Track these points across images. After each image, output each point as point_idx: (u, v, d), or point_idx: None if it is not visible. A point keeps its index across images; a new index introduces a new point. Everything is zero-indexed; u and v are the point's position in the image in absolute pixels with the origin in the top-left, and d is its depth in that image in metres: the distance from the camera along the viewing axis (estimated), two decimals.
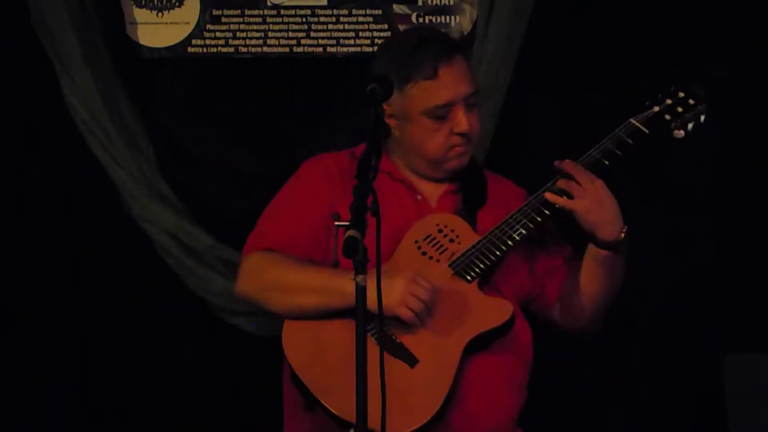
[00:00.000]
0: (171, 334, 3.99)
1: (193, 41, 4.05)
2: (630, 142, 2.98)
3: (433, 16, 4.02)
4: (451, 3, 4.02)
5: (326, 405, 2.81)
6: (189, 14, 4.05)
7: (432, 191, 3.10)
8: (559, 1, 3.92)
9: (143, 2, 4.04)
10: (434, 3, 4.02)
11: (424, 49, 3.00)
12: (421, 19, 4.02)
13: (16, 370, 3.97)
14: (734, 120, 3.91)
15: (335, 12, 4.04)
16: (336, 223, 2.52)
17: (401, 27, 4.02)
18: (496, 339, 2.93)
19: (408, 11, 4.04)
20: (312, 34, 4.04)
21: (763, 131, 3.93)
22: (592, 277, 3.02)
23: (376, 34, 4.02)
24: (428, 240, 2.99)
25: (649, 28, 3.94)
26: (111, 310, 3.99)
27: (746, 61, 3.90)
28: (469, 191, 3.11)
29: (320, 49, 4.05)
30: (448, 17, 4.02)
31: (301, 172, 3.15)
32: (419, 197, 3.09)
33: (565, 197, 2.93)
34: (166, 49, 4.04)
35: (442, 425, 2.84)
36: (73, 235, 3.99)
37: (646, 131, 2.98)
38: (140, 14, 4.04)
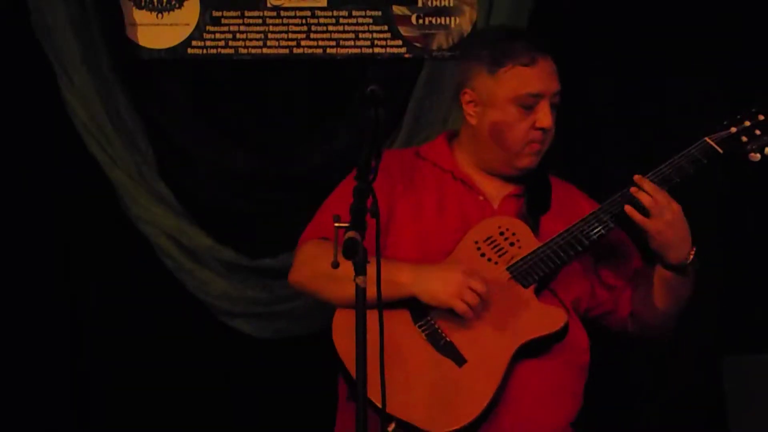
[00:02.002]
0: (170, 335, 3.99)
1: (193, 42, 4.05)
2: (703, 160, 2.95)
3: (432, 17, 4.03)
4: (451, 4, 4.02)
5: (369, 396, 2.80)
6: (189, 16, 4.05)
7: (495, 193, 3.07)
8: (558, 2, 3.92)
9: (143, 3, 4.04)
10: (434, 4, 4.03)
11: (523, 38, 3.04)
12: (420, 21, 4.02)
13: (16, 371, 3.97)
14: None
15: (335, 13, 4.04)
16: (335, 224, 2.51)
17: (401, 28, 4.02)
18: (549, 346, 2.91)
19: (408, 12, 4.04)
20: (312, 35, 4.04)
21: None
22: (660, 296, 3.01)
23: (375, 35, 4.03)
24: (488, 242, 2.97)
25: (650, 28, 3.94)
26: (110, 311, 3.99)
27: None
28: (533, 196, 3.07)
29: (320, 51, 4.05)
30: (447, 18, 4.02)
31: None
32: (481, 198, 3.06)
33: (641, 214, 2.90)
34: (165, 50, 4.04)
35: (493, 428, 2.83)
36: (72, 236, 3.99)
37: (720, 151, 2.95)
38: (140, 15, 4.04)
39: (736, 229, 3.94)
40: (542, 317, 2.90)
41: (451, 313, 2.85)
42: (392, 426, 2.74)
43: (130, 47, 4.02)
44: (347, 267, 2.86)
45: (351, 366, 2.80)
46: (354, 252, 2.38)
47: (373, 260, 2.45)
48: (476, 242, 2.96)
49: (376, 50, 4.03)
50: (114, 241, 3.99)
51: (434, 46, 4.01)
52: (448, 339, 2.86)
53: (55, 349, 3.99)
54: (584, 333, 3.04)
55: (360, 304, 2.40)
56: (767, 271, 3.89)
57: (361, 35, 4.04)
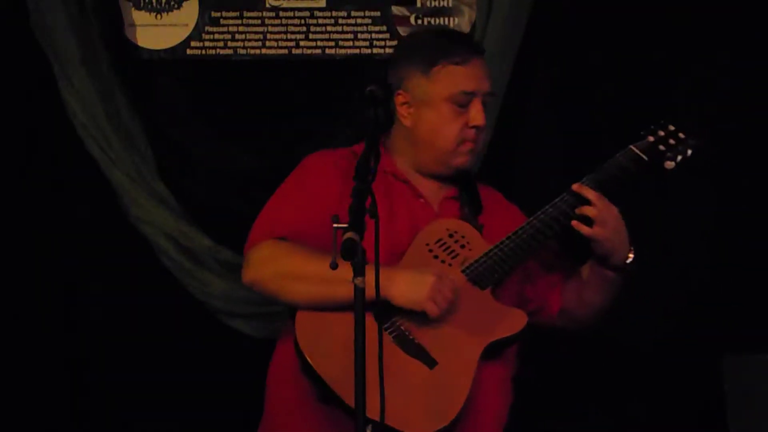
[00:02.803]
0: (169, 335, 3.99)
1: (192, 43, 4.05)
2: (631, 168, 3.00)
3: (431, 17, 4.03)
4: (450, 5, 4.03)
5: (342, 397, 2.78)
6: (188, 16, 4.05)
7: (433, 195, 3.09)
8: (558, 3, 3.92)
9: (142, 4, 4.04)
10: (433, 5, 4.03)
11: (455, 38, 3.09)
12: (419, 21, 4.02)
13: (14, 371, 3.97)
14: (733, 123, 3.91)
15: (334, 14, 4.04)
16: (334, 225, 2.50)
17: (400, 29, 4.02)
18: (507, 348, 2.93)
19: (407, 13, 4.04)
20: (311, 35, 4.05)
21: (761, 131, 3.94)
22: (597, 294, 3.05)
23: (374, 35, 4.03)
24: (440, 244, 2.97)
25: (650, 30, 3.94)
26: (109, 312, 3.99)
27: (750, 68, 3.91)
28: (468, 199, 3.10)
29: (319, 51, 4.05)
30: (446, 19, 4.03)
31: (308, 164, 3.10)
32: (422, 200, 3.07)
33: (586, 224, 2.94)
34: (164, 50, 4.04)
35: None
36: (72, 237, 3.99)
37: (645, 158, 3.02)
38: (139, 16, 4.04)
39: (736, 229, 3.94)
40: (504, 318, 2.91)
41: (415, 316, 2.85)
42: (368, 430, 2.74)
43: (129, 48, 4.03)
44: (311, 267, 2.89)
45: (321, 369, 2.81)
46: (353, 253, 2.38)
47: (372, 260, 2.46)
48: (427, 244, 2.97)
49: (375, 51, 4.04)
50: (113, 242, 3.99)
51: None
52: (416, 341, 2.86)
53: (53, 349, 3.99)
54: None
55: (359, 304, 2.40)
56: (767, 271, 3.89)
57: (359, 36, 4.04)
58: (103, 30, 3.95)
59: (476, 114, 3.00)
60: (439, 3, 4.02)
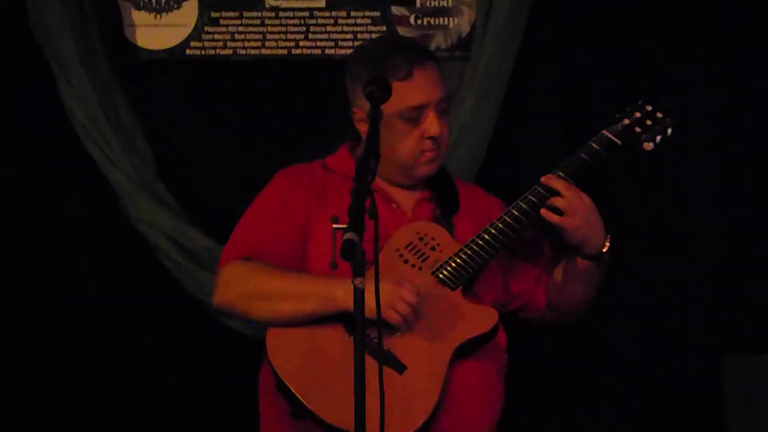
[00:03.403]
0: (169, 336, 3.99)
1: (192, 43, 4.05)
2: (603, 153, 3.00)
3: (431, 17, 4.02)
4: (449, 4, 4.02)
5: (316, 413, 2.79)
6: (187, 16, 4.05)
7: (406, 200, 3.10)
8: (557, 3, 3.92)
9: (141, 4, 4.04)
10: (432, 5, 4.02)
11: (397, 52, 3.03)
12: (419, 21, 4.02)
13: (14, 371, 3.97)
14: (733, 121, 3.91)
15: (333, 14, 4.04)
16: (334, 225, 2.50)
17: (399, 29, 4.02)
18: (482, 346, 2.94)
19: (406, 13, 4.04)
20: (310, 36, 4.05)
21: (761, 131, 3.94)
22: (578, 285, 3.06)
23: (374, 35, 4.02)
24: (409, 248, 2.99)
25: (651, 29, 3.94)
26: (109, 312, 3.99)
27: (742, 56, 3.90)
28: (442, 199, 3.11)
29: (318, 51, 4.05)
30: (446, 19, 4.02)
31: (274, 182, 3.15)
32: (394, 206, 3.08)
33: (556, 214, 2.95)
34: (164, 51, 4.04)
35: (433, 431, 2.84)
36: (72, 237, 3.99)
37: (619, 142, 3.01)
38: (138, 16, 4.04)
39: (736, 229, 3.94)
40: (474, 317, 2.92)
41: (385, 323, 2.84)
42: None
43: (128, 48, 4.02)
44: (276, 285, 2.91)
45: (294, 384, 2.82)
46: (352, 253, 2.38)
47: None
48: (398, 249, 2.98)
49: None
50: (113, 242, 3.99)
51: (432, 47, 4.00)
52: (385, 348, 2.86)
53: (52, 349, 3.99)
54: (503, 331, 3.05)
55: (358, 305, 2.40)
56: (767, 271, 3.89)
57: (359, 36, 4.04)
58: (102, 30, 3.95)
59: (430, 125, 2.99)
60: (438, 3, 4.02)
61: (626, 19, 3.93)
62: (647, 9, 3.92)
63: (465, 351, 2.90)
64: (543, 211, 2.95)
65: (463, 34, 4.00)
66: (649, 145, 3.03)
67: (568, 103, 3.99)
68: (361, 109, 3.03)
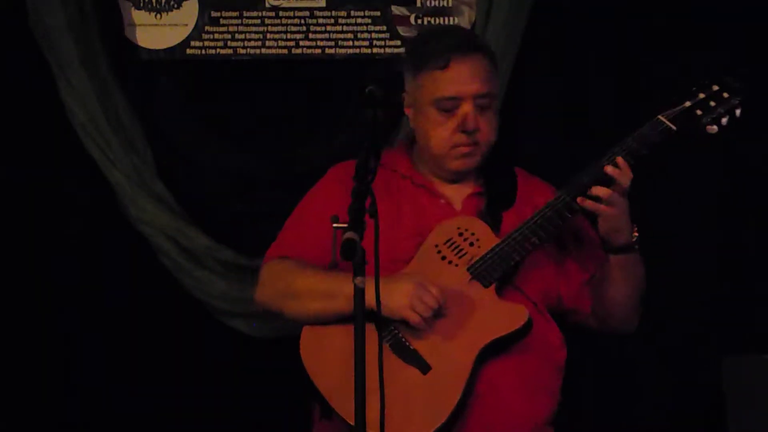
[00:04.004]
0: (169, 336, 3.98)
1: (192, 43, 4.05)
2: (656, 140, 2.90)
3: (431, 17, 4.02)
4: (450, 4, 4.02)
5: (338, 411, 2.80)
6: (187, 16, 4.05)
7: (456, 194, 3.07)
8: (558, 3, 3.92)
9: (141, 4, 4.04)
10: (433, 4, 4.02)
11: (441, 40, 3.01)
12: (419, 21, 4.02)
13: (14, 371, 3.97)
14: (733, 121, 3.91)
15: (334, 13, 4.04)
16: (334, 225, 2.51)
17: (400, 28, 4.02)
18: (513, 343, 2.90)
19: (407, 12, 4.04)
20: (310, 35, 4.04)
21: (762, 131, 3.93)
22: (619, 284, 2.99)
23: (374, 35, 4.02)
24: (449, 244, 2.96)
25: (650, 29, 3.93)
26: (109, 312, 3.98)
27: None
28: (495, 193, 3.06)
29: (319, 51, 4.05)
30: (446, 18, 4.02)
31: (323, 179, 3.13)
32: (443, 201, 3.05)
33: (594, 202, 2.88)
34: (164, 50, 4.04)
35: (464, 427, 2.83)
36: (71, 237, 3.98)
37: (674, 128, 2.90)
38: (138, 16, 4.04)
39: (736, 229, 3.94)
40: (503, 316, 2.89)
41: (406, 323, 2.85)
42: None
43: (128, 48, 4.02)
44: (305, 283, 2.91)
45: (321, 385, 2.84)
46: (352, 253, 2.38)
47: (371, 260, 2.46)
48: (436, 245, 2.96)
49: (375, 50, 4.03)
50: (113, 242, 3.99)
51: None
52: (411, 347, 2.86)
53: (53, 350, 3.98)
54: (556, 329, 3.03)
55: (359, 305, 2.40)
56: (767, 271, 3.89)
57: (359, 35, 4.03)
58: (102, 30, 3.94)
59: (464, 119, 2.96)
60: (439, 3, 4.02)
61: (626, 19, 3.93)
62: (647, 9, 3.92)
63: (496, 350, 2.88)
64: (579, 199, 2.88)
65: None
66: (713, 128, 2.90)
67: (568, 103, 3.99)
68: (407, 94, 3.02)
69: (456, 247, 2.95)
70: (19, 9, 3.88)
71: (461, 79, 2.96)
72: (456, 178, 3.06)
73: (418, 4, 4.03)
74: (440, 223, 2.99)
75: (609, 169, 2.87)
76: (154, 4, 4.03)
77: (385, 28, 4.03)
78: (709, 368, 3.55)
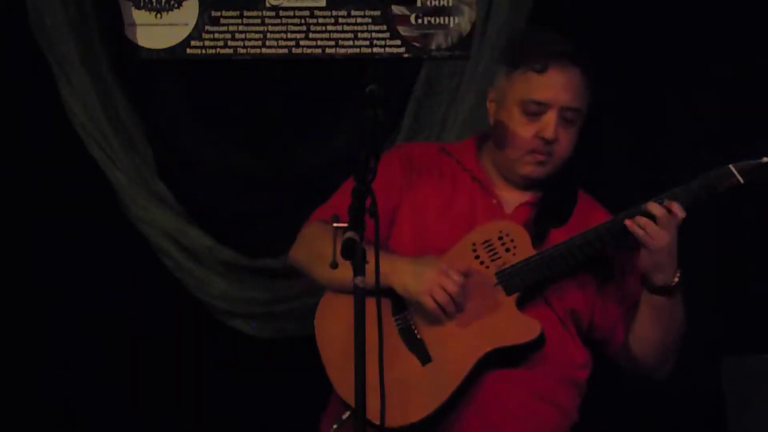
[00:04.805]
0: (170, 335, 3.99)
1: (192, 42, 4.05)
2: (719, 189, 2.88)
3: (431, 17, 4.02)
4: (450, 4, 4.02)
5: (333, 383, 2.83)
6: (188, 15, 4.05)
7: (512, 199, 3.03)
8: (558, 2, 3.92)
9: (142, 3, 4.04)
10: (433, 4, 4.02)
11: (545, 44, 2.99)
12: (419, 20, 4.02)
13: (14, 371, 3.97)
14: (734, 120, 3.91)
15: (334, 13, 4.04)
16: (334, 225, 2.50)
17: (400, 28, 4.02)
18: (524, 357, 2.88)
19: (407, 12, 4.04)
20: (311, 35, 4.04)
21: (762, 131, 3.93)
22: (649, 324, 2.97)
23: (374, 35, 4.02)
24: (486, 245, 2.93)
25: (651, 29, 3.93)
26: (109, 312, 3.99)
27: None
28: (548, 207, 3.02)
29: (319, 50, 4.05)
30: (446, 18, 4.02)
31: (385, 155, 3.02)
32: (495, 201, 3.02)
33: (642, 230, 2.85)
34: (164, 50, 4.04)
35: (461, 428, 2.83)
36: (71, 237, 3.99)
37: (741, 180, 2.87)
38: (139, 15, 4.04)
39: (736, 228, 3.94)
40: (515, 327, 2.86)
41: (425, 310, 2.84)
42: (347, 414, 2.76)
43: (128, 47, 4.02)
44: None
45: (324, 355, 2.88)
46: (352, 253, 2.38)
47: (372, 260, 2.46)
48: (473, 244, 2.94)
49: (375, 50, 4.03)
50: (114, 242, 3.99)
51: (433, 46, 4.00)
52: (418, 336, 2.86)
53: (53, 350, 3.99)
54: (581, 348, 3.00)
55: (359, 305, 2.40)
56: (767, 271, 3.89)
57: (360, 35, 4.03)
58: (102, 30, 3.95)
59: (546, 126, 2.92)
60: (439, 2, 4.02)
61: (626, 19, 3.93)
62: (648, 9, 3.92)
63: (504, 359, 2.86)
64: (628, 222, 2.85)
65: (464, 34, 4.00)
66: None
67: None
68: (494, 90, 3.01)
69: (492, 250, 2.93)
70: (19, 9, 3.89)
71: (555, 86, 2.93)
72: (522, 183, 3.02)
73: (418, 4, 4.03)
74: (485, 223, 2.97)
75: (653, 207, 2.84)
76: (154, 4, 4.03)
77: (385, 28, 4.03)
78: (709, 368, 3.55)
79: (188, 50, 4.05)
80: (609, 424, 3.95)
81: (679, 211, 2.84)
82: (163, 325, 3.99)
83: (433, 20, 4.03)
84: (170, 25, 4.05)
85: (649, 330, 2.97)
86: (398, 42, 4.02)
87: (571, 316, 2.97)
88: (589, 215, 3.02)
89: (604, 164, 3.92)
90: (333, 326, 2.89)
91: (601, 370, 3.92)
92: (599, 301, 3.01)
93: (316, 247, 2.96)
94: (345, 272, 2.77)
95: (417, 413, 2.79)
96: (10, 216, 3.97)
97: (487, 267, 2.91)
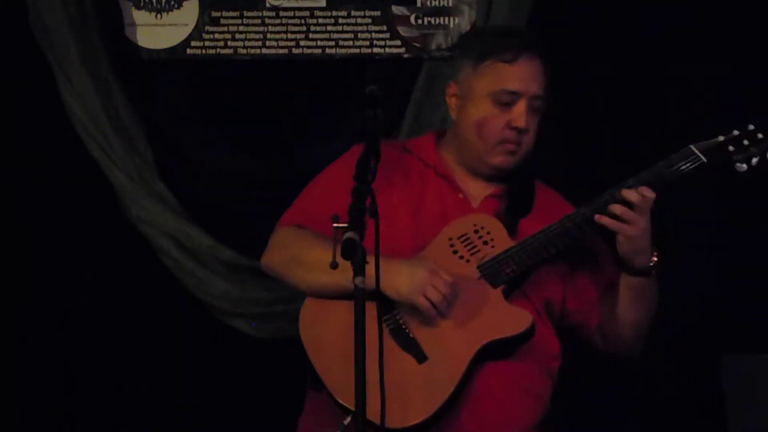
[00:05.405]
0: (170, 336, 3.99)
1: (192, 43, 4.05)
2: (684, 168, 2.91)
3: (431, 17, 4.03)
4: (450, 4, 4.02)
5: (327, 386, 2.81)
6: (188, 16, 4.05)
7: (477, 192, 3.05)
8: (558, 2, 3.92)
9: (142, 4, 4.04)
10: (433, 4, 4.03)
11: (512, 36, 3.03)
12: (420, 21, 4.02)
13: (14, 371, 3.97)
14: (734, 120, 3.91)
15: (334, 13, 4.04)
16: (334, 225, 2.51)
17: (400, 28, 4.02)
18: (514, 348, 2.90)
19: (407, 12, 4.04)
20: (311, 35, 4.05)
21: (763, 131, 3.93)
22: (630, 306, 2.99)
23: (374, 35, 4.03)
24: (462, 239, 2.95)
25: (650, 29, 3.94)
26: (110, 312, 3.99)
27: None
28: (514, 198, 3.05)
29: (319, 51, 4.05)
30: (446, 18, 4.02)
31: (346, 154, 3.09)
32: (461, 195, 3.04)
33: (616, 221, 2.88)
34: (164, 50, 4.04)
35: (455, 427, 2.83)
36: (72, 237, 3.99)
37: (704, 160, 2.90)
38: (139, 16, 4.04)
39: (735, 228, 3.94)
40: (507, 318, 2.88)
41: (415, 309, 2.84)
42: (348, 419, 2.76)
43: (129, 47, 4.02)
44: (317, 255, 2.87)
45: (313, 357, 2.85)
46: (352, 252, 2.38)
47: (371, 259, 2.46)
48: (450, 239, 2.95)
49: (375, 50, 4.04)
50: (114, 242, 3.99)
51: (433, 46, 4.01)
52: (411, 335, 2.86)
53: (52, 350, 3.99)
54: (555, 339, 3.02)
55: (359, 305, 2.40)
56: (767, 271, 3.89)
57: (360, 35, 4.04)
58: (102, 30, 3.95)
59: (518, 115, 2.95)
60: (439, 2, 4.02)
61: (627, 19, 3.93)
62: (648, 9, 3.92)
63: (496, 352, 2.87)
64: (599, 217, 2.88)
65: (464, 34, 4.00)
66: (742, 167, 2.91)
67: (568, 103, 3.98)
68: (457, 84, 3.01)
69: (469, 244, 2.94)
70: (19, 8, 3.89)
71: (526, 76, 2.96)
72: (491, 174, 3.03)
73: (418, 4, 4.03)
74: (458, 218, 2.98)
75: (628, 194, 2.87)
76: (155, 4, 4.03)
77: (385, 28, 4.03)
78: (709, 368, 3.55)
79: (188, 50, 4.05)
80: (609, 424, 3.95)
81: (650, 194, 2.87)
82: (163, 325, 3.99)
83: (433, 20, 4.03)
84: (170, 25, 4.05)
85: (631, 311, 2.99)
86: (398, 42, 4.02)
87: (546, 306, 2.99)
88: (549, 203, 3.07)
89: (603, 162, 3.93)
90: (322, 332, 2.89)
91: (601, 370, 3.94)
92: (571, 287, 3.04)
93: (292, 252, 2.99)
94: (325, 276, 2.82)
95: (421, 412, 2.79)
96: (10, 216, 3.97)
97: (468, 261, 2.93)
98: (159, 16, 4.04)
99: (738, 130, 2.94)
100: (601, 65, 3.96)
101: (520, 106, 2.95)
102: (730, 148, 2.92)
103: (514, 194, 3.05)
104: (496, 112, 2.96)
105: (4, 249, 3.98)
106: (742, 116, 3.85)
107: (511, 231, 2.97)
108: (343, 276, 2.75)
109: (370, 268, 2.48)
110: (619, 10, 3.92)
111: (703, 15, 3.91)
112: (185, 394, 3.99)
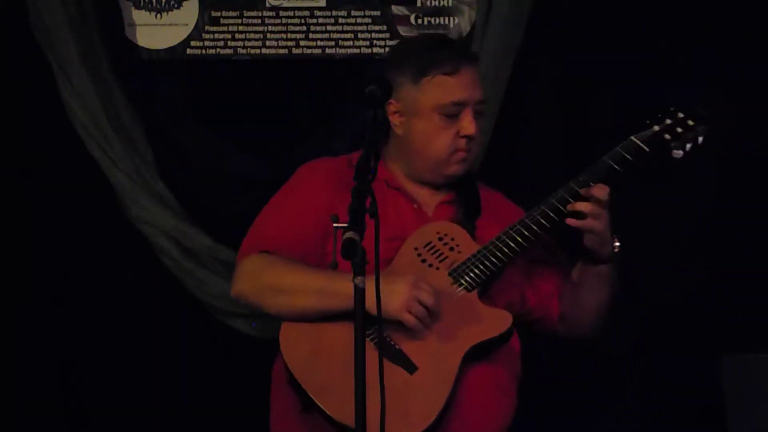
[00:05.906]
0: (170, 336, 3.99)
1: (192, 43, 4.05)
2: (630, 159, 2.98)
3: (431, 17, 4.03)
4: (450, 4, 4.03)
5: (323, 407, 2.80)
6: (188, 16, 4.05)
7: (429, 200, 3.10)
8: (558, 3, 3.92)
9: (142, 4, 4.04)
10: (433, 4, 4.03)
11: (446, 47, 3.07)
12: (419, 21, 4.02)
13: (15, 372, 3.97)
14: (736, 122, 3.91)
15: (334, 13, 4.04)
16: (334, 224, 2.51)
17: (400, 28, 4.02)
18: (495, 349, 2.93)
19: (407, 12, 4.04)
20: (311, 35, 4.05)
21: (763, 134, 3.94)
22: (593, 292, 3.05)
23: (374, 35, 4.03)
24: (428, 248, 2.98)
25: (651, 29, 3.94)
26: (110, 312, 3.99)
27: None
28: (465, 202, 3.10)
29: (319, 51, 4.05)
30: (446, 18, 4.03)
31: (300, 176, 3.14)
32: (415, 206, 3.08)
33: (578, 218, 2.94)
34: (164, 50, 4.05)
35: (440, 431, 2.84)
36: (72, 237, 3.99)
37: (647, 149, 2.99)
38: (139, 16, 4.04)
39: (736, 228, 3.94)
40: (488, 320, 2.91)
41: (396, 322, 2.85)
42: None
43: (129, 47, 4.03)
44: (293, 279, 2.91)
45: (303, 379, 2.85)
46: (353, 252, 2.38)
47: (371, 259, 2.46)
48: (416, 249, 2.98)
49: (375, 50, 4.04)
50: (114, 242, 3.99)
51: None
52: (397, 347, 2.87)
53: (52, 350, 3.99)
54: (518, 339, 3.05)
55: (359, 305, 2.40)
56: (767, 271, 3.89)
57: (360, 35, 4.04)
58: (102, 30, 3.95)
59: (467, 124, 2.99)
60: (439, 3, 4.02)
61: (627, 19, 3.93)
62: (648, 10, 3.92)
63: (478, 354, 2.90)
64: (568, 220, 2.94)
65: (464, 34, 4.00)
66: (678, 153, 3.01)
67: (568, 104, 3.99)
68: (399, 101, 3.03)
69: (436, 252, 2.98)
70: (19, 8, 3.89)
71: (468, 84, 3.01)
72: (444, 183, 3.08)
73: (418, 4, 4.04)
74: (420, 227, 3.02)
75: (595, 190, 2.94)
76: (155, 4, 4.04)
77: (385, 28, 4.03)
78: (709, 368, 3.55)
79: (188, 50, 4.05)
80: (609, 424, 3.95)
81: (606, 188, 2.94)
82: (162, 325, 3.99)
83: (433, 20, 4.03)
84: (170, 25, 4.05)
85: (596, 296, 3.06)
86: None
87: (507, 307, 3.01)
88: (496, 203, 3.14)
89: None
90: (307, 353, 2.89)
91: (602, 370, 3.94)
92: (529, 284, 3.09)
93: (267, 280, 2.99)
94: (310, 299, 2.87)
95: (424, 420, 2.80)
96: (11, 216, 3.97)
97: (437, 269, 2.96)
98: (159, 16, 4.04)
99: (667, 116, 3.03)
100: (603, 65, 3.95)
101: (468, 115, 3.00)
102: (666, 136, 3.01)
103: (463, 199, 3.11)
104: (444, 125, 3.00)
105: (4, 249, 3.98)
106: (743, 111, 3.87)
107: (472, 234, 3.02)
108: (327, 299, 2.85)
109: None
110: (619, 10, 3.91)
111: (703, 15, 3.90)
112: (185, 394, 3.99)
